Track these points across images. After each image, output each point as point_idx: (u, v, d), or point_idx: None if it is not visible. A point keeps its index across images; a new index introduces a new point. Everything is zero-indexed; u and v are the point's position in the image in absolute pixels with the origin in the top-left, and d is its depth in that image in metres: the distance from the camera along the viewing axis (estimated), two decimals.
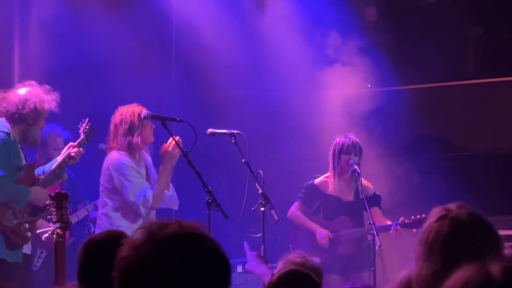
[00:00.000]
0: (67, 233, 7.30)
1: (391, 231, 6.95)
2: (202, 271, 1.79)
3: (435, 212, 2.57)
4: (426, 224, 2.57)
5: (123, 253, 1.82)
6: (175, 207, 6.74)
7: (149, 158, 6.72)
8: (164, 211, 6.73)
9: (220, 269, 1.83)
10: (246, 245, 5.19)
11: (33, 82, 6.20)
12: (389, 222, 7.04)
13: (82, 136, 6.34)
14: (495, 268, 1.70)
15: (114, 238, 3.14)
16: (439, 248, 2.48)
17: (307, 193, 7.31)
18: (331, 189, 7.25)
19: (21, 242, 6.03)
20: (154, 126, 6.53)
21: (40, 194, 6.04)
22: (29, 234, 6.06)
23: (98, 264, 3.04)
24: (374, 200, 7.20)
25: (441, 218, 2.53)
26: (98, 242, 3.15)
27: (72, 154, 6.21)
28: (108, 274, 2.96)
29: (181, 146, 6.33)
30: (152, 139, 6.57)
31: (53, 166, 6.26)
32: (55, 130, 7.41)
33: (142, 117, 6.33)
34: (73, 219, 7.42)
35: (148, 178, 6.52)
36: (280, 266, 3.89)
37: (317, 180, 7.34)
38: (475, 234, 2.50)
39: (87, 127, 6.37)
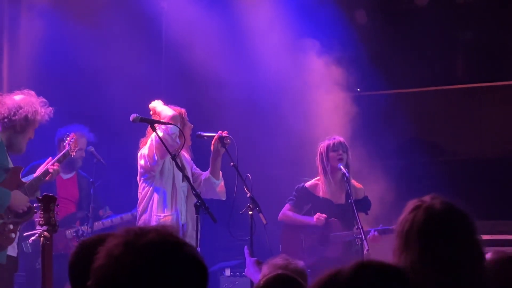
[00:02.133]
0: (76, 241, 7.36)
1: (369, 237, 6.92)
2: (180, 279, 1.78)
3: (410, 204, 2.60)
4: (401, 216, 2.59)
5: (100, 261, 1.81)
6: (223, 197, 6.80)
7: (187, 156, 6.83)
8: None
9: (197, 277, 1.82)
10: (246, 250, 5.19)
11: (32, 92, 6.23)
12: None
13: (67, 148, 6.60)
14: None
15: (104, 241, 3.12)
16: (415, 237, 2.50)
17: (298, 195, 7.33)
18: (322, 192, 7.26)
19: (5, 243, 6.02)
20: (192, 127, 6.73)
21: (20, 199, 6.04)
22: (13, 235, 6.05)
23: (89, 268, 3.01)
24: (363, 205, 7.20)
25: (415, 208, 2.57)
26: (89, 246, 3.11)
27: (50, 170, 6.27)
28: None
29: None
30: (190, 142, 6.76)
31: (36, 174, 6.30)
32: (81, 130, 7.50)
33: (131, 119, 6.33)
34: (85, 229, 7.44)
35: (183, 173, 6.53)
36: (265, 270, 3.90)
37: (308, 183, 7.36)
38: (449, 222, 2.52)
39: (71, 140, 6.64)
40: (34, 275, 7.11)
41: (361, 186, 7.38)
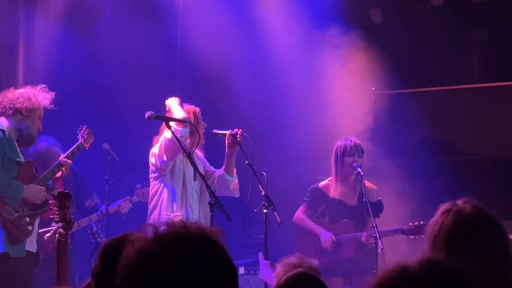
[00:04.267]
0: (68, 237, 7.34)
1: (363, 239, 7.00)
2: (203, 274, 1.75)
3: (442, 207, 2.59)
4: (432, 219, 2.58)
5: (126, 250, 1.80)
6: (237, 195, 6.81)
7: (200, 154, 6.85)
8: None
9: (223, 274, 1.79)
10: (260, 255, 5.19)
11: (29, 86, 6.32)
12: None
13: (80, 140, 6.59)
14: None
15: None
16: (442, 241, 2.49)
17: (312, 196, 7.31)
18: (335, 193, 7.24)
19: (22, 235, 6.06)
20: (206, 126, 6.73)
21: (34, 191, 6.09)
22: (30, 228, 6.10)
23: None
24: (375, 208, 7.14)
25: (445, 212, 2.55)
26: (119, 244, 3.04)
27: (62, 162, 6.35)
28: None
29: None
30: (203, 141, 6.75)
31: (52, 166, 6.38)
32: (55, 145, 7.43)
33: (146, 117, 6.34)
34: (85, 222, 7.41)
35: (195, 171, 6.54)
36: (279, 269, 3.88)
37: (321, 184, 7.35)
38: (478, 227, 2.50)
39: (85, 132, 6.59)
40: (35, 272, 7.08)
41: (374, 187, 7.35)
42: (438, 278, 1.70)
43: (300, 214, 7.31)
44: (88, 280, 3.17)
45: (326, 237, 7.12)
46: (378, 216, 7.23)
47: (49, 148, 7.32)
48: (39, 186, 6.15)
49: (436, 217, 2.57)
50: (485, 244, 2.47)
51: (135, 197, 7.68)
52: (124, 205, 7.58)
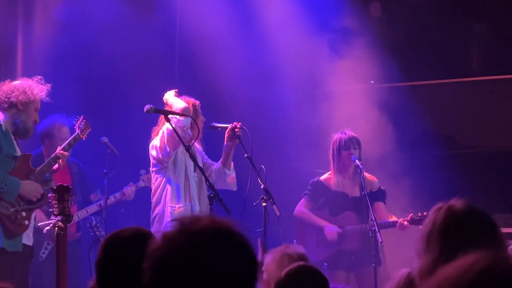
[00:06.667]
0: (74, 227, 7.36)
1: (397, 226, 6.94)
2: (231, 267, 1.80)
3: (434, 207, 2.65)
4: (426, 220, 2.64)
5: (156, 244, 1.85)
6: (234, 188, 6.80)
7: (198, 147, 6.83)
8: None
9: (248, 267, 1.85)
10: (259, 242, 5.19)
11: (25, 78, 6.30)
12: (393, 218, 7.04)
13: (77, 131, 6.50)
14: (492, 262, 1.64)
15: (143, 237, 3.05)
16: (435, 237, 2.53)
17: (313, 189, 7.29)
18: (336, 185, 7.23)
19: (19, 230, 6.05)
20: (204, 120, 6.71)
21: (31, 188, 6.08)
22: (26, 222, 6.09)
23: (122, 262, 2.95)
24: (379, 195, 7.19)
25: (437, 210, 2.61)
26: (125, 239, 3.04)
27: (59, 154, 6.29)
28: (131, 273, 2.87)
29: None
30: (201, 135, 6.70)
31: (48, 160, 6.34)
32: (58, 120, 7.44)
33: (145, 110, 6.34)
34: (83, 213, 7.42)
35: (195, 164, 6.54)
36: (268, 258, 3.91)
37: (322, 177, 7.34)
38: (469, 221, 2.55)
39: (82, 123, 6.52)
40: (38, 266, 7.07)
41: (375, 178, 7.35)
42: None
43: (301, 207, 7.29)
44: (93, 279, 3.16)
45: (331, 230, 7.09)
46: (385, 203, 7.23)
47: (52, 125, 7.36)
48: (35, 183, 6.13)
49: (429, 217, 2.62)
50: (478, 237, 2.50)
51: (141, 182, 7.68)
52: (129, 190, 7.61)
